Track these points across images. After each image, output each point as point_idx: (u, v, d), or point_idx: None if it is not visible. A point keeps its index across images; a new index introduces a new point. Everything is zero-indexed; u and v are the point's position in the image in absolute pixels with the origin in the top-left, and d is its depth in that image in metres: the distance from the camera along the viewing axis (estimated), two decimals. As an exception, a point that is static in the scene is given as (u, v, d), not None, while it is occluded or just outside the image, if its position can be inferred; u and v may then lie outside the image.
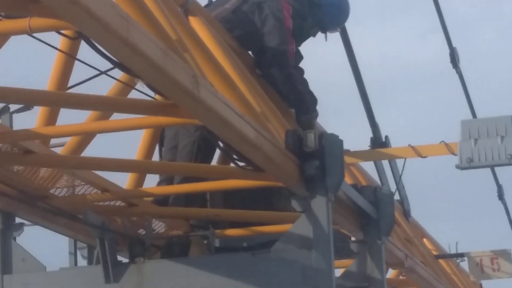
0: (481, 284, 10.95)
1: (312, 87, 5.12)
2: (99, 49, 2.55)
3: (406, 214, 7.27)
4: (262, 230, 4.91)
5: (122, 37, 2.08)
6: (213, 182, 4.57)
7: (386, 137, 6.21)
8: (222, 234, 4.97)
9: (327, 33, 5.33)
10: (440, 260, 8.81)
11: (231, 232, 4.97)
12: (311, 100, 5.00)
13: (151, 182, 4.79)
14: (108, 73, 3.17)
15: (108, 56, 2.59)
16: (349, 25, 5.62)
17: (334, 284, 4.10)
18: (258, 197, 4.84)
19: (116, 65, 2.80)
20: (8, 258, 4.42)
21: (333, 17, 5.27)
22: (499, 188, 10.10)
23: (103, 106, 3.68)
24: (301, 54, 5.17)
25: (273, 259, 4.12)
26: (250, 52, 5.05)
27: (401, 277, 7.63)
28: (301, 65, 5.13)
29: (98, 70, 3.18)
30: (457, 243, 9.69)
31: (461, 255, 8.94)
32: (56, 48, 3.27)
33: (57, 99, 3.64)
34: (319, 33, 5.34)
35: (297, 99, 5.02)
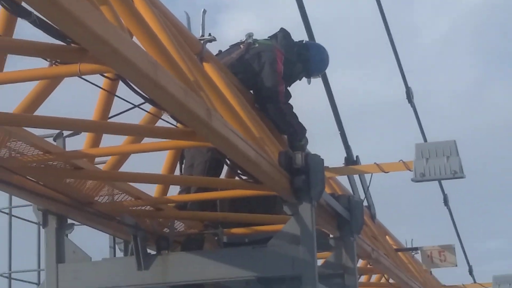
0: (431, 272, 11.07)
1: (303, 119, 5.12)
2: (133, 88, 2.64)
3: (373, 216, 7.21)
4: (260, 229, 4.84)
5: (152, 79, 2.31)
6: (222, 192, 4.57)
7: (357, 156, 6.20)
8: (229, 232, 4.87)
9: (311, 78, 5.30)
10: (399, 253, 8.72)
11: (236, 230, 4.92)
12: (300, 130, 4.96)
13: (174, 191, 4.78)
14: (140, 106, 3.20)
15: (141, 93, 2.68)
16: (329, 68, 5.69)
17: (316, 272, 4.17)
18: (257, 203, 4.75)
19: (147, 100, 2.89)
20: (61, 250, 4.31)
21: (316, 67, 5.22)
22: (445, 197, 10.21)
23: (136, 132, 3.74)
24: (290, 93, 5.11)
25: (269, 252, 4.16)
26: (251, 91, 5.10)
27: (368, 266, 7.57)
28: (291, 101, 5.20)
29: (132, 104, 3.23)
30: (412, 239, 9.90)
31: (416, 248, 9.07)
32: (99, 87, 3.29)
33: (100, 126, 3.72)
34: (304, 77, 5.34)
35: (288, 129, 4.99)
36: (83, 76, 2.64)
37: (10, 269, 5.39)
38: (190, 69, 3.26)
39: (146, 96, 2.91)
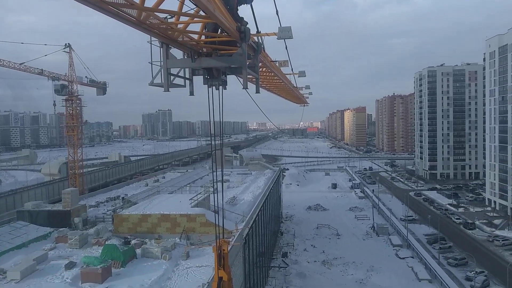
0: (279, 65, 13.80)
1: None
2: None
3: (263, 49, 10.11)
4: (232, 51, 7.58)
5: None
6: (221, 35, 7.35)
7: (260, 31, 9.19)
8: (225, 52, 7.58)
9: (245, 4, 7.54)
10: (271, 62, 12.90)
11: (223, 51, 7.76)
12: (243, 20, 7.27)
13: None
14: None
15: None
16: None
17: (246, 64, 7.07)
18: (230, 42, 7.51)
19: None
20: (168, 56, 7.80)
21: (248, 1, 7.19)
22: (286, 50, 13.01)
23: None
24: (238, 9, 7.40)
25: (232, 58, 7.34)
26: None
27: (261, 64, 10.37)
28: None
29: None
30: (275, 59, 13.49)
31: (276, 61, 13.35)
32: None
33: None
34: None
35: (239, 20, 7.29)
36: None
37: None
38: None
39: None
